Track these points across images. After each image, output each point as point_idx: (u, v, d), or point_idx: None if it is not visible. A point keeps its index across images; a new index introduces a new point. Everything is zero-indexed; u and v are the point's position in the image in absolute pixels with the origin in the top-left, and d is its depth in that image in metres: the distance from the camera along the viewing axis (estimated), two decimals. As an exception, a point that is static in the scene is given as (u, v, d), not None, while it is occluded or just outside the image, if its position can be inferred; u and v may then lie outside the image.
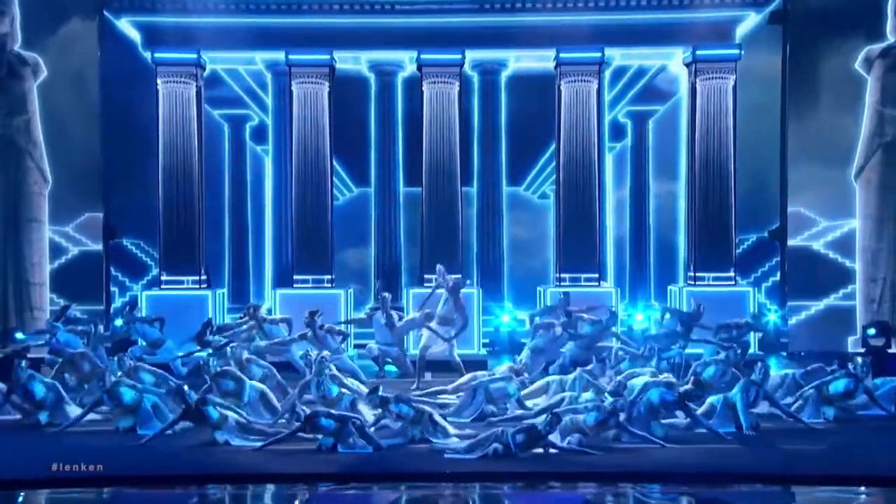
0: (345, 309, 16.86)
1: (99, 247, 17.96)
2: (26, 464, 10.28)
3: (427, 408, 11.25)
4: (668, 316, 15.25)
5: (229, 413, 11.18)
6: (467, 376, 13.30)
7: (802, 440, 11.28)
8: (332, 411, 10.90)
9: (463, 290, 15.13)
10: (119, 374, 12.51)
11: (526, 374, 13.05)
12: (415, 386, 14.31)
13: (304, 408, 11.02)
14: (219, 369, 12.67)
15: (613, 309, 15.60)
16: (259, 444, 10.91)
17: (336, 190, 18.65)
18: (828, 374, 12.56)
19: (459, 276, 15.32)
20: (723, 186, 17.32)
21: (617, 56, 18.43)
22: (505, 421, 11.64)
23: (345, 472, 10.07)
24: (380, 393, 11.23)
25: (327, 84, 17.46)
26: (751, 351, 16.01)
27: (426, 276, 16.00)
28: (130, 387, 11.80)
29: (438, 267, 15.33)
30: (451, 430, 11.14)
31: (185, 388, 11.32)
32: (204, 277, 17.55)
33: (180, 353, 15.04)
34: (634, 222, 19.71)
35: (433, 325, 14.69)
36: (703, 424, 11.35)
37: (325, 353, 12.73)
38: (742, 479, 9.90)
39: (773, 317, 17.98)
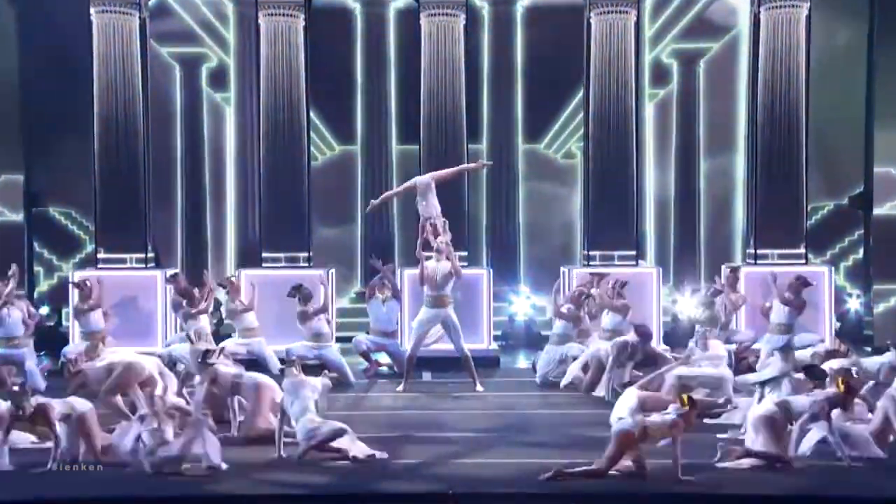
0: (325, 293, 16.04)
1: (19, 217, 17.95)
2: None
3: (339, 424, 11.02)
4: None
5: None
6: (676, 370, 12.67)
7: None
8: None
9: (466, 272, 15.21)
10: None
11: None
12: (401, 388, 14.25)
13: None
14: None
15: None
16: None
17: (314, 148, 18.39)
18: None
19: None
20: (791, 142, 16.90)
21: (661, -20, 18.84)
22: None
23: (323, 494, 9.98)
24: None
25: (303, 16, 17.04)
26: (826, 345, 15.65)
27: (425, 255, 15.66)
28: None
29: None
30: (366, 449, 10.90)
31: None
32: (151, 255, 17.17)
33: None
34: (681, 187, 19.63)
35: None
36: None
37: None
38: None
39: (854, 303, 18.09)
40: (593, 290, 15.21)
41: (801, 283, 15.05)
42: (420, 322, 14.43)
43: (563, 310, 14.79)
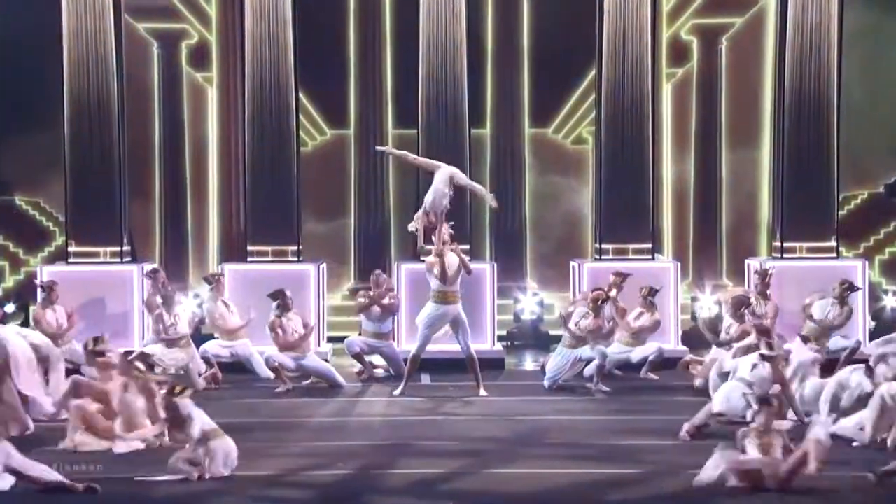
0: (316, 289, 16.57)
1: (-19, 207, 18.24)
2: None
3: None
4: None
5: None
6: None
7: None
8: None
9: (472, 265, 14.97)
10: None
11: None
12: (399, 391, 14.29)
13: None
14: None
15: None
16: None
17: (304, 133, 18.39)
18: None
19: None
20: (821, 126, 16.91)
21: (680, -52, 18.91)
22: None
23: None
24: None
25: (291, -12, 17.46)
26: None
27: (423, 248, 15.14)
28: None
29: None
30: None
31: None
32: (127, 248, 17.20)
33: None
34: (701, 174, 19.61)
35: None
36: None
37: None
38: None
39: (891, 300, 17.93)
40: (612, 293, 14.95)
41: (847, 287, 14.93)
42: (428, 322, 14.31)
43: (580, 328, 14.31)
